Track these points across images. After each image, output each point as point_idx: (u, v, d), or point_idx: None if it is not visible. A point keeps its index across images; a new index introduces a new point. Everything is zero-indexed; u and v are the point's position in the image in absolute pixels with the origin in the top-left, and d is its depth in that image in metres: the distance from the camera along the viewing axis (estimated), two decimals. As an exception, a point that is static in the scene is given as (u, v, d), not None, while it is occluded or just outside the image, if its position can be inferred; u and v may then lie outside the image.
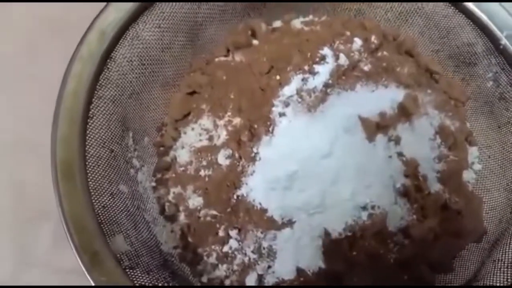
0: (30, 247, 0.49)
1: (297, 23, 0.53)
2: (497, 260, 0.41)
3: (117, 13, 0.43)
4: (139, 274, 0.38)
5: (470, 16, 0.47)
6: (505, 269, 0.39)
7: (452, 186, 0.45)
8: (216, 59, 0.52)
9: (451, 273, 0.44)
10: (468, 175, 0.48)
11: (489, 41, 0.46)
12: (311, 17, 0.54)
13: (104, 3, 0.43)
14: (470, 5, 0.46)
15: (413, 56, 0.51)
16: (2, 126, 0.51)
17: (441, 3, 0.48)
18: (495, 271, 0.40)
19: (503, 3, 0.45)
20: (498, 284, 0.39)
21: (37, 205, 0.48)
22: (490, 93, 0.48)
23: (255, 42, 0.52)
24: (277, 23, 0.54)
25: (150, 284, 0.38)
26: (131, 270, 0.38)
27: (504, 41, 0.45)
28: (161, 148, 0.49)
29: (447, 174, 0.44)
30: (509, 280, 0.38)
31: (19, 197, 0.49)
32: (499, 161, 0.47)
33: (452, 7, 0.48)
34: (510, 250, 0.41)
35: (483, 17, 0.46)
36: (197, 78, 0.49)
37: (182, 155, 0.47)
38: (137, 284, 0.37)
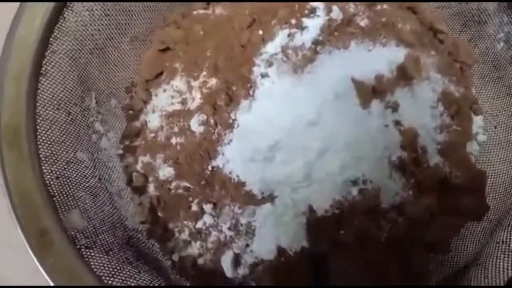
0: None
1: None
2: (500, 242, 0.37)
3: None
4: (96, 255, 0.34)
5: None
6: (510, 253, 0.35)
7: (454, 159, 0.40)
8: (194, 12, 0.47)
9: (447, 254, 0.40)
10: (471, 147, 0.44)
11: (503, -4, 0.41)
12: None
13: None
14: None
15: (416, 12, 0.46)
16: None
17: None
18: (499, 254, 0.36)
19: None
20: (502, 267, 0.35)
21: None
22: (501, 56, 0.43)
23: (238, -7, 0.46)
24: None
25: (109, 266, 0.33)
26: (87, 250, 0.33)
27: (519, -4, 0.40)
28: (130, 112, 0.45)
29: (448, 146, 0.40)
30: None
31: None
32: (506, 132, 0.43)
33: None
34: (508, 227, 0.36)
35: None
36: (171, 33, 0.44)
37: (153, 120, 0.43)
38: (93, 266, 0.32)
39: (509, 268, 0.35)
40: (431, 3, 0.46)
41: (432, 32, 0.46)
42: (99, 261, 0.33)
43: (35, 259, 0.31)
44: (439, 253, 0.40)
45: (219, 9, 0.46)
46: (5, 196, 0.32)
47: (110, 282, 0.33)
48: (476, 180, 0.41)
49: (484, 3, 0.43)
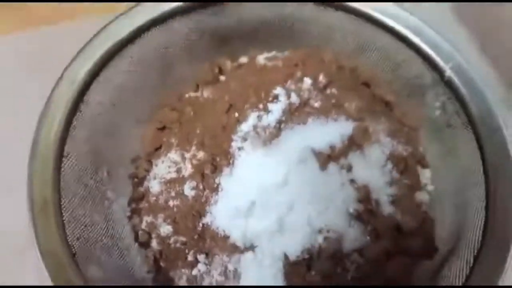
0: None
1: (261, 59, 0.57)
2: (443, 277, 0.44)
3: (87, 60, 0.47)
4: (110, 301, 0.41)
5: (418, 50, 0.51)
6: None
7: (405, 208, 0.48)
8: (186, 95, 0.56)
9: (405, 289, 0.47)
10: (422, 196, 0.51)
11: (436, 73, 0.50)
12: (274, 52, 0.58)
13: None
14: (417, 40, 0.50)
15: (370, 86, 0.55)
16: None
17: (391, 40, 0.52)
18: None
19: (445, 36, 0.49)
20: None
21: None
22: (439, 121, 0.51)
23: (222, 77, 0.56)
24: (243, 59, 0.58)
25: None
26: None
27: (448, 72, 0.49)
28: (135, 180, 0.53)
29: (399, 197, 0.47)
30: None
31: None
32: (450, 183, 0.50)
33: (401, 42, 0.51)
34: (454, 267, 0.43)
35: (429, 51, 0.50)
36: (167, 114, 0.53)
37: (154, 186, 0.51)
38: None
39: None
40: (382, 79, 0.55)
41: (383, 102, 0.55)
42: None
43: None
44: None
45: (206, 92, 0.56)
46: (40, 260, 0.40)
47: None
48: (426, 225, 0.49)
49: (423, 78, 0.52)
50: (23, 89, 0.58)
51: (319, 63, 0.54)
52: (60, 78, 0.46)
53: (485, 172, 0.45)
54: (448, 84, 0.49)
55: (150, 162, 0.53)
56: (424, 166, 0.52)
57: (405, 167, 0.50)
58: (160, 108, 0.54)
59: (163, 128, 0.53)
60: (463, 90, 0.48)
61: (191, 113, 0.52)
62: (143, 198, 0.52)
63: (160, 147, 0.53)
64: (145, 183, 0.52)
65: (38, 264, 0.40)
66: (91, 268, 0.42)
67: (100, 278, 0.42)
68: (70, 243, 0.42)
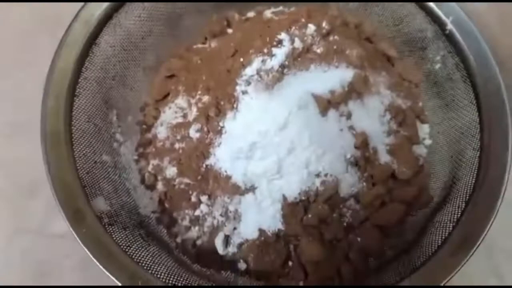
0: (24, 215, 0.54)
1: (267, 13, 0.59)
2: (435, 222, 0.46)
3: (100, 4, 0.49)
4: (117, 230, 0.44)
5: (420, 4, 0.52)
6: (441, 228, 0.44)
7: (401, 158, 0.49)
8: (194, 46, 0.58)
9: (398, 236, 0.49)
10: (420, 150, 0.53)
11: (437, 27, 0.51)
12: (281, 7, 0.59)
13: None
14: (419, -6, 0.51)
15: (373, 42, 0.57)
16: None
17: None
18: (434, 230, 0.45)
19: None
20: (434, 240, 0.43)
21: (30, 178, 0.53)
22: (439, 75, 0.52)
23: (229, 30, 0.58)
24: (251, 14, 0.60)
25: (126, 238, 0.44)
26: (109, 226, 0.43)
27: (449, 26, 0.50)
28: (144, 126, 0.55)
29: (395, 147, 0.49)
30: (442, 236, 0.43)
31: (13, 173, 0.55)
32: (446, 136, 0.51)
33: (405, -4, 0.53)
34: (446, 212, 0.45)
35: (431, 5, 0.51)
36: (175, 63, 0.55)
37: (161, 131, 0.53)
38: (114, 238, 0.42)
39: (439, 240, 0.44)
40: (386, 35, 0.56)
41: (385, 57, 0.56)
42: (119, 234, 0.43)
43: (71, 229, 0.41)
44: (391, 235, 0.49)
45: (214, 43, 0.57)
46: (50, 185, 0.43)
47: (127, 249, 0.43)
48: (421, 176, 0.50)
49: (425, 32, 0.53)
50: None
51: (324, 17, 0.55)
52: (74, 19, 0.47)
53: (481, 122, 0.46)
54: (449, 37, 0.50)
55: (157, 110, 0.55)
56: (423, 121, 0.54)
57: (404, 119, 0.51)
58: (169, 57, 0.56)
59: (171, 76, 0.55)
60: (463, 43, 0.49)
61: (198, 62, 0.53)
62: (150, 144, 0.54)
63: (167, 95, 0.54)
64: (153, 130, 0.54)
65: (50, 197, 0.42)
66: (99, 200, 0.45)
67: (107, 211, 0.44)
68: (80, 176, 0.44)
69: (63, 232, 0.48)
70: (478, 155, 0.45)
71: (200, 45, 0.58)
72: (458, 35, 0.49)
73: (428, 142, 0.53)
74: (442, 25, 0.50)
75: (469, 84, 0.48)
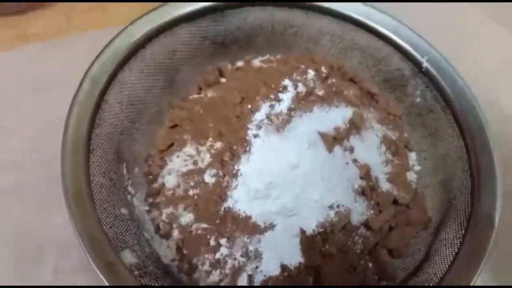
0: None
1: (256, 62, 0.63)
2: (442, 239, 0.50)
3: (107, 62, 0.50)
4: (148, 280, 0.44)
5: (397, 47, 0.58)
6: (449, 245, 0.49)
7: (399, 184, 0.54)
8: (191, 97, 0.61)
9: (406, 257, 0.52)
10: (411, 176, 0.58)
11: (414, 66, 0.58)
12: (267, 56, 0.64)
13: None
14: (395, 38, 0.58)
15: (356, 82, 0.62)
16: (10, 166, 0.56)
17: (373, 38, 0.59)
18: (441, 247, 0.49)
19: (421, 34, 0.57)
20: (444, 255, 0.48)
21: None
22: (420, 107, 0.58)
23: (222, 80, 0.61)
24: (240, 63, 0.64)
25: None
26: (141, 278, 0.43)
27: (425, 64, 0.57)
28: (150, 177, 0.56)
29: (393, 175, 0.54)
30: (453, 252, 0.47)
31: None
32: (433, 162, 0.57)
33: (381, 41, 0.59)
34: (450, 229, 0.50)
35: (407, 47, 0.57)
36: (177, 113, 0.57)
37: (170, 180, 0.54)
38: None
39: (449, 255, 0.48)
40: (366, 75, 0.62)
41: (369, 95, 0.62)
42: (152, 284, 0.44)
43: (106, 282, 0.41)
44: (399, 256, 0.53)
45: (210, 93, 0.60)
46: (80, 242, 0.42)
47: (161, 300, 0.43)
48: (418, 199, 0.55)
49: (403, 71, 0.59)
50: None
51: (310, 63, 0.60)
52: (83, 79, 0.49)
53: (466, 147, 0.52)
54: (426, 74, 0.56)
55: (163, 159, 0.56)
56: (410, 149, 0.59)
57: (396, 149, 0.56)
58: (168, 109, 0.58)
59: (174, 127, 0.57)
60: (438, 77, 0.55)
61: (200, 111, 0.56)
62: (159, 193, 0.54)
63: (172, 144, 0.56)
64: (159, 179, 0.55)
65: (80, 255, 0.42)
66: (126, 253, 0.45)
67: (135, 263, 0.45)
68: (105, 230, 0.44)
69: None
70: (468, 175, 0.51)
71: (196, 95, 0.60)
72: (433, 72, 0.56)
73: (417, 168, 0.58)
74: (418, 64, 0.57)
75: (450, 114, 0.54)
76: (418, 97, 0.58)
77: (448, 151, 0.55)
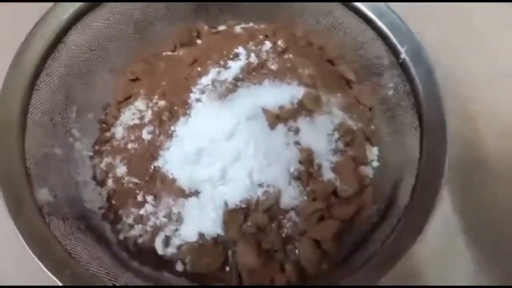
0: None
1: (238, 28, 0.61)
2: (373, 240, 0.47)
3: (71, 4, 0.51)
4: (55, 220, 0.45)
5: (379, 31, 0.54)
6: (373, 247, 0.46)
7: (344, 176, 0.50)
8: (164, 53, 0.60)
9: (332, 250, 0.49)
10: (367, 170, 0.54)
11: (392, 55, 0.53)
12: (251, 24, 0.61)
13: None
14: (378, 22, 0.53)
15: (334, 64, 0.59)
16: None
17: (358, 20, 0.55)
18: (366, 248, 0.46)
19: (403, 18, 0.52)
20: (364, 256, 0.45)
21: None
22: (392, 101, 0.54)
23: (199, 41, 0.60)
24: (222, 27, 0.62)
25: (64, 230, 0.45)
26: (49, 216, 0.44)
27: (403, 55, 0.52)
28: (104, 125, 0.57)
29: (340, 166, 0.50)
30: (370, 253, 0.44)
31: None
32: (392, 160, 0.53)
33: (365, 23, 0.55)
34: (381, 231, 0.47)
35: (389, 33, 0.53)
36: (140, 67, 0.57)
37: (119, 131, 0.54)
38: (52, 228, 0.44)
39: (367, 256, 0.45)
40: (347, 58, 0.59)
41: (344, 80, 0.58)
42: (57, 224, 0.45)
43: (9, 216, 0.42)
44: (327, 249, 0.50)
45: (182, 52, 0.59)
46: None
47: (62, 240, 0.44)
48: (364, 195, 0.52)
49: (380, 59, 0.55)
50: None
51: (290, 36, 0.57)
52: (46, 13, 0.49)
53: (421, 149, 0.48)
54: (402, 66, 0.52)
55: (119, 110, 0.56)
56: (373, 143, 0.55)
57: (352, 139, 0.53)
58: (135, 61, 0.58)
59: (135, 80, 0.57)
60: (413, 72, 0.51)
61: (162, 67, 0.55)
62: (107, 142, 0.55)
63: (129, 97, 0.56)
64: (112, 129, 0.56)
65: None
66: (43, 191, 0.46)
67: (48, 203, 0.46)
68: (27, 166, 0.45)
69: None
70: (413, 180, 0.47)
71: (169, 53, 0.60)
72: (410, 64, 0.51)
73: (375, 164, 0.54)
74: (397, 53, 0.52)
75: (415, 112, 0.50)
76: (391, 89, 0.54)
77: (406, 151, 0.51)
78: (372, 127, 0.56)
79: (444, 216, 0.54)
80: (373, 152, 0.55)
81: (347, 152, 0.52)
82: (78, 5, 0.52)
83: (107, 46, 0.55)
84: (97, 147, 0.55)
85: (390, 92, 0.54)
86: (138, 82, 0.57)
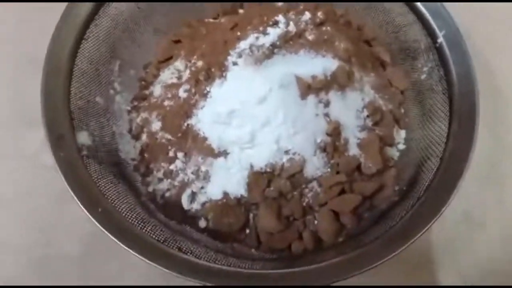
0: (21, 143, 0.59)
1: (279, 3, 0.62)
2: (388, 217, 0.48)
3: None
4: (92, 162, 0.48)
5: (419, 15, 0.54)
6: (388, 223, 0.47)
7: (369, 154, 0.51)
8: (206, 20, 0.62)
9: (351, 224, 0.51)
10: (392, 152, 0.55)
11: (430, 39, 0.54)
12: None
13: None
14: (420, 5, 0.54)
15: (371, 45, 0.59)
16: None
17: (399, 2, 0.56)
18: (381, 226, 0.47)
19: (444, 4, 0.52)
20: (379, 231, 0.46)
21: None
22: (424, 85, 0.55)
23: (241, 11, 0.62)
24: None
25: (99, 171, 0.48)
26: (86, 157, 0.47)
27: (440, 39, 0.52)
28: (143, 83, 0.59)
29: (366, 143, 0.51)
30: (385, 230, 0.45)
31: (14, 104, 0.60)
32: (418, 144, 0.54)
33: (406, 6, 0.55)
34: (396, 214, 0.47)
35: (428, 16, 0.53)
36: (183, 30, 0.59)
37: (157, 90, 0.57)
38: (88, 168, 0.47)
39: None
40: (383, 40, 0.59)
41: (379, 61, 0.59)
42: (93, 167, 0.48)
43: (50, 150, 0.46)
44: (347, 223, 0.51)
45: (224, 19, 0.61)
46: (42, 110, 0.47)
47: (97, 180, 0.47)
48: (385, 174, 0.53)
49: (418, 42, 0.55)
50: None
51: (330, 14, 0.58)
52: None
53: (448, 133, 0.49)
54: (438, 51, 0.52)
55: (158, 70, 0.59)
56: (402, 126, 0.56)
57: (381, 119, 0.53)
58: (180, 25, 0.60)
59: (177, 42, 0.59)
60: (449, 57, 0.51)
61: (203, 32, 0.57)
62: (145, 99, 0.58)
63: (170, 58, 0.58)
64: (151, 87, 0.58)
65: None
66: (83, 134, 0.49)
67: (87, 146, 0.49)
68: (71, 109, 0.48)
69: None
70: (438, 163, 0.47)
71: (211, 20, 0.62)
72: (446, 49, 0.51)
73: (401, 147, 0.55)
74: (435, 37, 0.53)
75: (447, 97, 0.50)
76: (424, 73, 0.55)
77: (434, 135, 0.51)
78: (402, 110, 0.56)
79: (464, 209, 0.55)
80: (400, 135, 0.56)
81: (375, 131, 0.53)
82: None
83: (154, 6, 0.57)
84: (135, 103, 0.58)
85: (423, 76, 0.55)
86: (179, 44, 0.59)
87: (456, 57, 0.51)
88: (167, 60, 0.59)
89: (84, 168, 0.46)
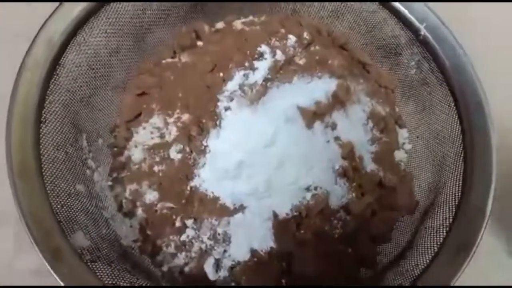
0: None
1: (238, 24, 0.57)
2: (427, 227, 0.46)
3: (63, 20, 0.45)
4: (101, 266, 0.40)
5: (393, 11, 0.52)
6: (434, 234, 0.44)
7: (386, 165, 0.49)
8: (164, 61, 0.55)
9: (389, 242, 0.48)
10: (400, 155, 0.53)
11: (410, 33, 0.51)
12: (251, 17, 0.57)
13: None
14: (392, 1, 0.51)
15: (346, 50, 0.56)
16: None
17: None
18: (426, 236, 0.45)
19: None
20: (429, 245, 0.43)
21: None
22: (414, 79, 0.53)
23: (199, 43, 0.55)
24: (220, 24, 0.57)
25: (112, 275, 0.40)
26: (93, 263, 0.40)
27: (423, 31, 0.50)
28: (115, 149, 0.51)
29: (380, 154, 0.49)
30: (438, 242, 0.43)
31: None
32: (426, 140, 0.52)
33: (377, 3, 0.52)
34: (437, 217, 0.45)
35: (404, 11, 0.51)
36: (145, 80, 0.52)
37: (136, 153, 0.50)
38: (99, 275, 0.39)
39: (434, 246, 0.44)
40: (358, 42, 0.56)
41: (360, 64, 0.56)
42: (104, 271, 0.40)
43: (51, 271, 0.37)
44: (382, 242, 0.49)
45: (184, 57, 0.55)
46: (22, 222, 0.38)
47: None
48: (406, 181, 0.50)
49: (398, 39, 0.53)
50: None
51: (297, 26, 0.54)
52: (35, 38, 0.43)
53: (461, 125, 0.47)
54: (423, 43, 0.50)
55: (129, 130, 0.51)
56: (401, 126, 0.54)
57: (385, 126, 0.51)
58: (138, 75, 0.53)
59: (141, 94, 0.52)
60: (437, 47, 0.49)
61: (171, 78, 0.51)
62: (124, 167, 0.50)
63: (139, 114, 0.51)
64: (125, 152, 0.51)
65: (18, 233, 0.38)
66: (78, 235, 0.41)
67: (88, 247, 0.41)
68: (54, 210, 0.40)
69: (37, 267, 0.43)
70: (462, 158, 0.46)
71: (169, 60, 0.55)
72: (432, 40, 0.50)
73: (408, 146, 0.53)
74: (415, 30, 0.51)
75: (446, 88, 0.49)
76: (413, 68, 0.53)
77: (442, 129, 0.50)
78: (397, 109, 0.54)
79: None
80: (402, 135, 0.54)
81: (382, 139, 0.51)
82: (68, 20, 0.45)
83: (107, 62, 0.50)
84: (114, 175, 0.50)
85: (413, 71, 0.53)
86: (146, 97, 0.52)
87: (445, 47, 0.49)
88: (136, 117, 0.51)
89: (93, 276, 0.38)
